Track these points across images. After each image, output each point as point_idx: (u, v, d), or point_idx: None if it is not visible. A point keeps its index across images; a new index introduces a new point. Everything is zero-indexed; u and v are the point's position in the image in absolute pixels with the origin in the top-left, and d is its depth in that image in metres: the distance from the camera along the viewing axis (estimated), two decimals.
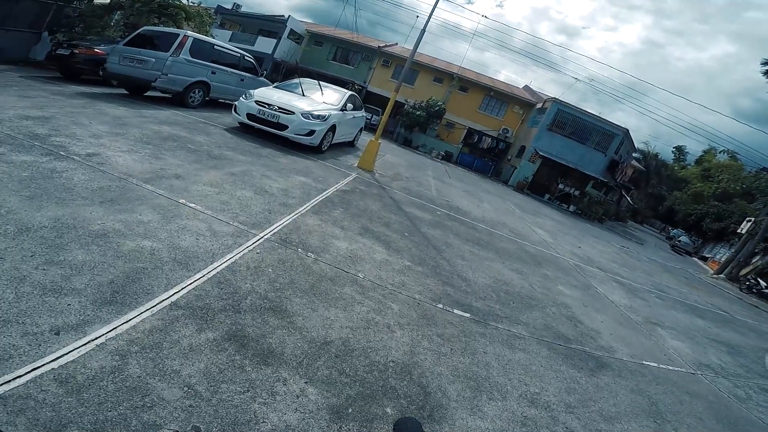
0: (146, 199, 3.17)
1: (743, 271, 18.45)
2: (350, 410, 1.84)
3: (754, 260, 19.34)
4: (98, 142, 4.19)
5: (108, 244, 2.41)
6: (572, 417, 2.46)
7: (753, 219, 20.22)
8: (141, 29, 8.08)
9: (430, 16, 8.52)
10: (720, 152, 37.92)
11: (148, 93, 8.28)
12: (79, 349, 1.62)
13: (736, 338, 6.62)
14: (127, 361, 1.66)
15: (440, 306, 3.28)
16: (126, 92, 8.13)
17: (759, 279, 16.69)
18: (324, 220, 4.19)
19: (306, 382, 1.90)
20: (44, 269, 2.01)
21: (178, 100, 7.96)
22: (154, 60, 7.27)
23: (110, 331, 1.78)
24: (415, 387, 2.17)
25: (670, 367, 4.02)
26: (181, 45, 7.60)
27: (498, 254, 5.64)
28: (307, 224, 3.89)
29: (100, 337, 1.72)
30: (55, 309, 1.78)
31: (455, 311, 3.29)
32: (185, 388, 1.63)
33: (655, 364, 3.93)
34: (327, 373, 2.01)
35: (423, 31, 8.54)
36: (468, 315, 3.31)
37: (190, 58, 7.79)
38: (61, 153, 3.61)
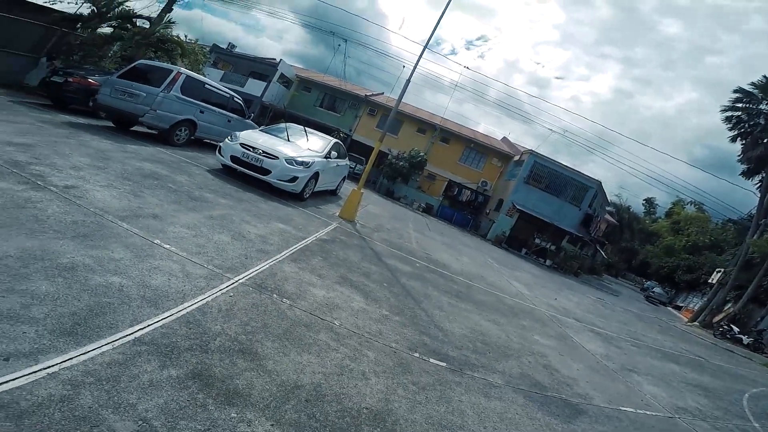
0: (120, 237, 3.10)
1: (716, 318, 19.00)
2: None
3: (726, 307, 19.98)
4: (78, 174, 4.14)
5: (75, 277, 2.34)
6: None
7: (723, 270, 21.19)
8: (137, 62, 8.05)
9: (415, 66, 8.85)
10: (688, 203, 40.06)
11: (134, 128, 8.19)
12: (27, 377, 1.55)
13: (712, 382, 6.65)
14: (79, 392, 1.58)
15: (416, 355, 3.22)
16: (112, 125, 8.05)
17: (732, 325, 17.23)
18: (302, 268, 4.10)
19: (272, 425, 1.81)
20: (2, 296, 1.94)
21: (163, 137, 7.81)
22: (145, 95, 7.17)
23: (65, 360, 1.70)
24: None
25: (648, 412, 4.00)
26: (174, 81, 7.52)
27: (476, 306, 5.63)
28: (284, 271, 3.81)
29: (53, 366, 1.65)
30: (7, 335, 1.71)
31: (431, 360, 3.24)
32: (139, 422, 1.54)
33: (633, 410, 3.90)
34: (295, 417, 1.93)
35: (408, 81, 8.80)
36: (444, 364, 3.26)
37: (181, 96, 7.72)
38: (39, 183, 3.56)
